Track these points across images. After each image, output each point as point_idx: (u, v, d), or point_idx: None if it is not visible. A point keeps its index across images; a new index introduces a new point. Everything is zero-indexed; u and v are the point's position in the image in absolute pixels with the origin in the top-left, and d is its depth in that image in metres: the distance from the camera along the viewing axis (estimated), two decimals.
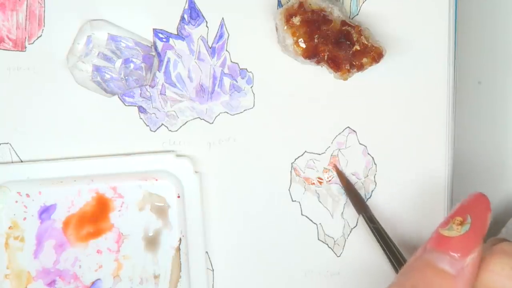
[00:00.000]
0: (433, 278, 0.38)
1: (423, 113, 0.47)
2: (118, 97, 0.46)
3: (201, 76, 0.46)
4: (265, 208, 0.47)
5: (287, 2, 0.44)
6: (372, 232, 0.46)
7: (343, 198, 0.48)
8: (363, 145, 0.47)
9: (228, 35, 0.46)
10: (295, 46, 0.43)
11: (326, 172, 0.47)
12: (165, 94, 0.46)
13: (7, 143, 0.46)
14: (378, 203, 0.48)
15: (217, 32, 0.46)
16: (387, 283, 0.48)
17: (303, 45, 0.43)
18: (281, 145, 0.47)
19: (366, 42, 0.44)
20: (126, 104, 0.46)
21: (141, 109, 0.46)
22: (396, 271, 0.46)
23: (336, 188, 0.48)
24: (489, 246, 0.39)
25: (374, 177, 0.47)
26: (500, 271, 0.37)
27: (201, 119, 0.47)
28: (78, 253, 0.47)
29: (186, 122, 0.46)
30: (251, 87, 0.46)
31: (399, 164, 0.47)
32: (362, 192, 0.48)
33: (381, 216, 0.48)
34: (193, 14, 0.46)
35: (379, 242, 0.46)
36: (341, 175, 0.47)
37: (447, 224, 0.39)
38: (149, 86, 0.46)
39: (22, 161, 0.46)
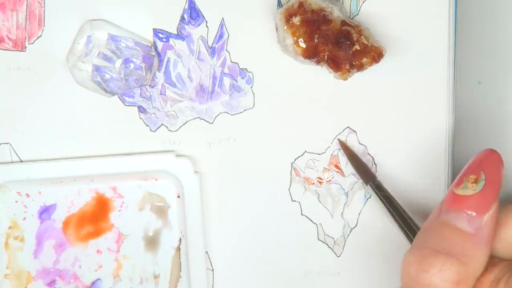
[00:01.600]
0: (452, 238, 0.37)
1: (423, 113, 0.47)
2: (118, 97, 0.46)
3: (201, 76, 0.46)
4: (265, 208, 0.47)
5: (287, 2, 0.44)
6: (381, 200, 0.45)
7: (343, 198, 0.48)
8: (363, 145, 0.47)
9: (228, 35, 0.46)
10: (295, 46, 0.43)
11: (326, 172, 0.47)
12: (165, 94, 0.46)
13: (7, 143, 0.46)
14: (377, 203, 0.48)
15: (217, 32, 0.46)
16: (387, 283, 0.48)
17: (303, 45, 0.43)
18: (281, 145, 0.47)
19: (366, 42, 0.44)
20: (126, 104, 0.46)
21: (141, 109, 0.46)
22: (409, 238, 0.45)
23: (336, 188, 0.48)
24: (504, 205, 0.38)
25: None
26: None
27: (201, 119, 0.47)
28: (78, 253, 0.47)
29: (186, 122, 0.46)
30: (251, 87, 0.46)
31: (399, 164, 0.47)
32: (362, 192, 0.48)
33: (381, 215, 0.48)
34: (193, 14, 0.46)
35: (389, 210, 0.45)
36: (345, 146, 0.47)
37: (461, 183, 0.38)
38: (149, 86, 0.46)
39: (22, 161, 0.46)
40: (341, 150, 0.47)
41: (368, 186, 0.46)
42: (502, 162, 0.39)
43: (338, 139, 0.47)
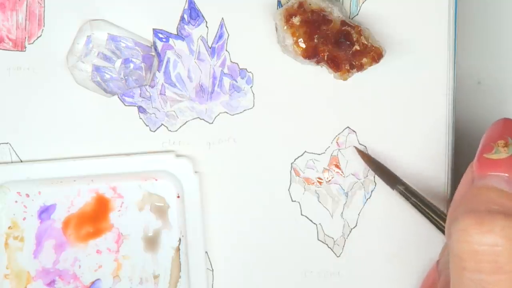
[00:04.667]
0: (499, 199, 0.37)
1: (423, 113, 0.47)
2: (118, 97, 0.46)
3: (200, 76, 0.46)
4: (265, 208, 0.47)
5: (287, 2, 0.44)
6: (412, 203, 0.45)
7: (343, 198, 0.48)
8: (363, 145, 0.47)
9: (228, 35, 0.46)
10: (295, 46, 0.43)
11: (326, 172, 0.47)
12: (164, 94, 0.46)
13: (7, 143, 0.46)
14: (377, 203, 0.48)
15: (217, 32, 0.46)
16: (387, 283, 0.48)
17: (303, 45, 0.43)
18: (281, 145, 0.47)
19: (366, 42, 0.44)
20: (126, 104, 0.46)
21: (141, 109, 0.46)
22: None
23: (336, 188, 0.48)
24: None
25: (374, 177, 0.47)
26: None
27: (200, 119, 0.47)
28: (78, 253, 0.47)
29: (185, 122, 0.47)
30: (251, 87, 0.46)
31: (398, 164, 0.47)
32: (362, 192, 0.48)
33: (380, 216, 0.48)
34: (193, 14, 0.46)
35: (423, 212, 0.45)
36: (363, 154, 0.47)
37: (491, 149, 0.39)
38: (149, 86, 0.46)
39: (22, 161, 0.46)
40: (341, 151, 0.47)
41: (395, 190, 0.46)
42: None
43: (355, 147, 0.47)
